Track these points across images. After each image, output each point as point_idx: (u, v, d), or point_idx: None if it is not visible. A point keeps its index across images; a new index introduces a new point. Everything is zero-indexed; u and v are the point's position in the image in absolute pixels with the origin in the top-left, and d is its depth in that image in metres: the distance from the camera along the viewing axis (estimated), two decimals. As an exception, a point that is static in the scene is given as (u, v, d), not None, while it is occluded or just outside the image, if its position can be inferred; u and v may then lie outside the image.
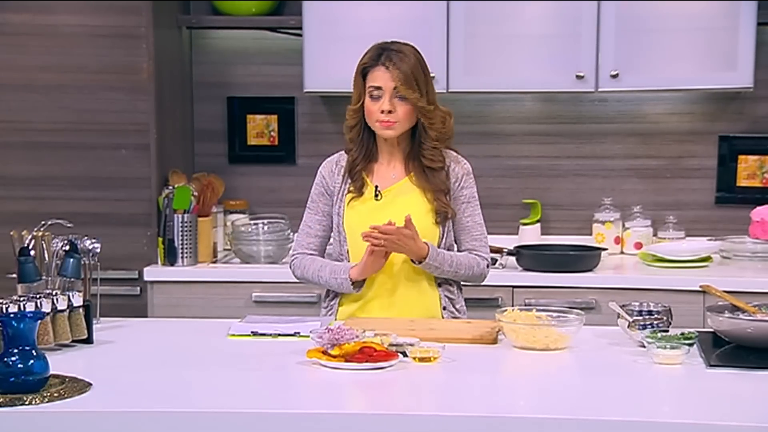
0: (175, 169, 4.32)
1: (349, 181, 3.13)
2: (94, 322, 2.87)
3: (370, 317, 3.04)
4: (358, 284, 3.07)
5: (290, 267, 3.22)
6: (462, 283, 3.19)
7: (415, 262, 3.03)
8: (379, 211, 3.04)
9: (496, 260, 4.26)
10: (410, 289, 3.08)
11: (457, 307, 3.14)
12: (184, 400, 2.34)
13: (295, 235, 4.28)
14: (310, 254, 3.17)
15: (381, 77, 3.01)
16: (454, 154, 3.15)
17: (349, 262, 3.10)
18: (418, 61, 3.04)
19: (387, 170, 3.13)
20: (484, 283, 3.95)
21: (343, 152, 3.18)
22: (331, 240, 3.19)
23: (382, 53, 3.03)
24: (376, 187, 3.11)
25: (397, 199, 3.08)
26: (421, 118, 3.04)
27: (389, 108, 3.01)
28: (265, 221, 4.37)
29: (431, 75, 3.12)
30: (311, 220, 3.19)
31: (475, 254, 3.12)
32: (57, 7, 4.18)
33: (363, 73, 3.05)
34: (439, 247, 3.07)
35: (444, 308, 3.10)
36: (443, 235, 3.09)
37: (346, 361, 2.51)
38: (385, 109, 3.01)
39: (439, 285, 3.11)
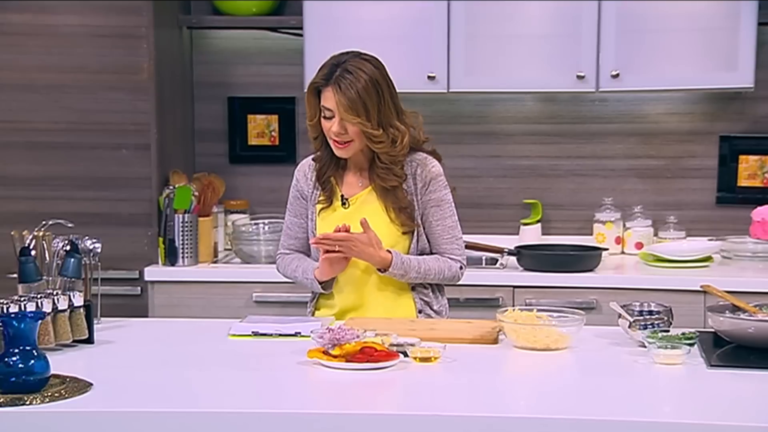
0: (176, 169, 4.32)
1: (319, 189, 3.12)
2: (95, 322, 2.87)
3: (374, 318, 3.04)
4: (327, 284, 3.07)
5: (276, 266, 3.25)
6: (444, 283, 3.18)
7: (381, 271, 3.02)
8: (347, 219, 3.02)
9: (497, 260, 4.27)
10: (381, 295, 3.08)
11: (435, 308, 3.12)
12: (185, 400, 2.34)
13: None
14: (290, 254, 3.20)
15: (330, 99, 2.96)
16: (423, 156, 3.08)
17: None
18: (370, 82, 2.93)
19: (353, 178, 3.11)
20: (485, 283, 3.98)
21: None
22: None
23: (335, 71, 2.96)
24: (342, 195, 3.10)
25: (364, 207, 3.07)
26: (367, 141, 2.99)
27: (339, 130, 2.97)
28: (266, 221, 4.37)
29: (390, 91, 3.00)
30: (291, 223, 3.20)
31: (447, 257, 3.09)
32: (57, 7, 4.18)
33: (315, 91, 3.01)
34: (410, 253, 3.06)
35: (420, 311, 3.09)
36: (414, 241, 3.07)
37: (347, 361, 2.51)
38: (335, 131, 2.98)
39: (413, 288, 3.09)
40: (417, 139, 3.08)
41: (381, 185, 3.04)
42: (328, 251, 2.98)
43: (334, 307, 3.12)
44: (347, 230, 2.97)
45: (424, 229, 3.09)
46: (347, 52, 3.02)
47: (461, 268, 3.11)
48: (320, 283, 3.06)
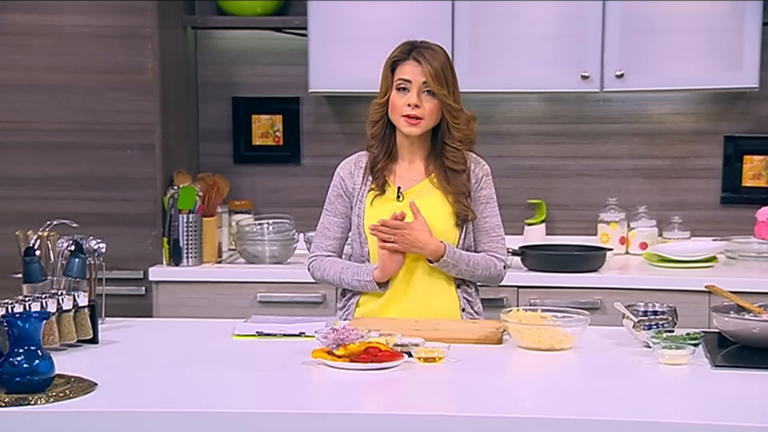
0: (180, 169, 4.32)
1: (370, 179, 3.11)
2: (99, 322, 2.88)
3: (378, 318, 3.04)
4: (383, 284, 3.06)
5: (308, 269, 3.21)
6: (478, 284, 3.18)
7: (432, 262, 3.02)
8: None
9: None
10: (428, 290, 3.07)
11: (476, 309, 3.13)
12: (189, 400, 2.34)
13: (301, 235, 4.34)
14: (329, 256, 3.16)
15: (411, 71, 3.00)
16: (474, 155, 3.13)
17: (370, 263, 3.09)
18: (447, 60, 3.04)
19: (408, 171, 3.12)
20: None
21: (360, 153, 3.17)
22: (350, 241, 3.18)
23: (414, 49, 3.03)
24: (399, 188, 3.10)
25: (419, 200, 3.06)
26: (447, 116, 3.02)
27: (416, 102, 2.99)
28: (270, 221, 4.37)
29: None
30: (329, 222, 3.17)
31: (492, 255, 3.10)
32: (62, 8, 4.18)
33: (392, 66, 3.04)
34: (457, 247, 3.06)
35: (463, 310, 3.09)
36: (462, 237, 3.08)
37: (351, 361, 2.51)
38: (411, 103, 2.99)
39: (458, 286, 3.10)
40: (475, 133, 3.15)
41: (447, 168, 3.06)
42: (383, 240, 2.98)
43: (380, 300, 3.09)
44: (403, 217, 2.98)
45: (472, 225, 3.10)
46: (418, 39, 3.09)
47: (504, 267, 3.13)
48: (378, 284, 3.05)
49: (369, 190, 3.11)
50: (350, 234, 3.16)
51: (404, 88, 3.00)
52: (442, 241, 3.00)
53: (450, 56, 3.10)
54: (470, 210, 3.07)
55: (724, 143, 4.54)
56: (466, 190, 3.07)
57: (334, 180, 3.18)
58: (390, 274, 3.04)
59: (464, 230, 3.08)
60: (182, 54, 4.53)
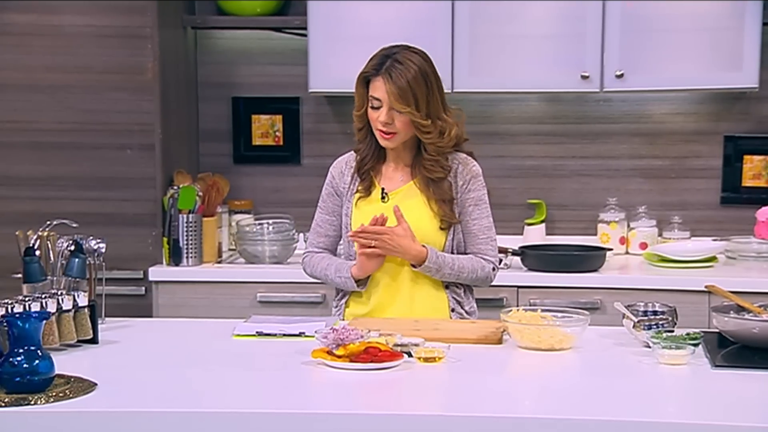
0: (180, 169, 4.32)
1: (358, 180, 3.12)
2: (99, 322, 2.88)
3: (377, 318, 3.04)
4: (361, 282, 3.07)
5: (302, 265, 3.24)
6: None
7: (415, 267, 3.02)
8: (385, 212, 3.02)
9: (501, 260, 4.26)
10: (416, 291, 3.07)
11: (467, 309, 3.12)
12: (189, 400, 2.34)
13: (300, 235, 4.35)
14: (320, 253, 3.18)
15: (380, 88, 2.98)
16: (464, 156, 3.12)
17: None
18: (419, 73, 2.97)
19: (394, 172, 3.12)
20: (489, 283, 3.97)
21: (353, 153, 3.18)
22: (342, 240, 3.19)
23: (385, 62, 2.98)
24: (383, 189, 3.11)
25: (403, 202, 3.06)
26: (416, 132, 3.02)
27: (386, 120, 2.99)
28: (270, 221, 4.37)
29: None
30: (321, 220, 3.19)
31: (481, 257, 3.09)
32: (62, 8, 4.18)
33: (364, 81, 3.04)
34: (444, 251, 3.06)
35: (452, 310, 3.09)
36: (449, 239, 3.08)
37: (351, 361, 2.51)
38: (382, 121, 2.99)
39: (446, 287, 3.10)
40: (459, 136, 3.10)
41: (426, 177, 3.05)
42: (364, 246, 2.98)
43: (368, 304, 3.10)
44: (384, 221, 2.98)
45: (460, 227, 3.09)
46: (397, 45, 3.05)
47: (494, 269, 3.12)
48: (356, 281, 3.05)
49: (356, 191, 3.12)
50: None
51: (377, 107, 3.00)
52: (424, 246, 3.00)
53: (429, 63, 3.01)
54: (454, 215, 3.06)
55: (724, 143, 4.54)
56: (447, 197, 3.06)
57: (327, 178, 3.20)
58: (367, 273, 3.05)
59: (452, 233, 3.08)
60: (182, 54, 4.53)
